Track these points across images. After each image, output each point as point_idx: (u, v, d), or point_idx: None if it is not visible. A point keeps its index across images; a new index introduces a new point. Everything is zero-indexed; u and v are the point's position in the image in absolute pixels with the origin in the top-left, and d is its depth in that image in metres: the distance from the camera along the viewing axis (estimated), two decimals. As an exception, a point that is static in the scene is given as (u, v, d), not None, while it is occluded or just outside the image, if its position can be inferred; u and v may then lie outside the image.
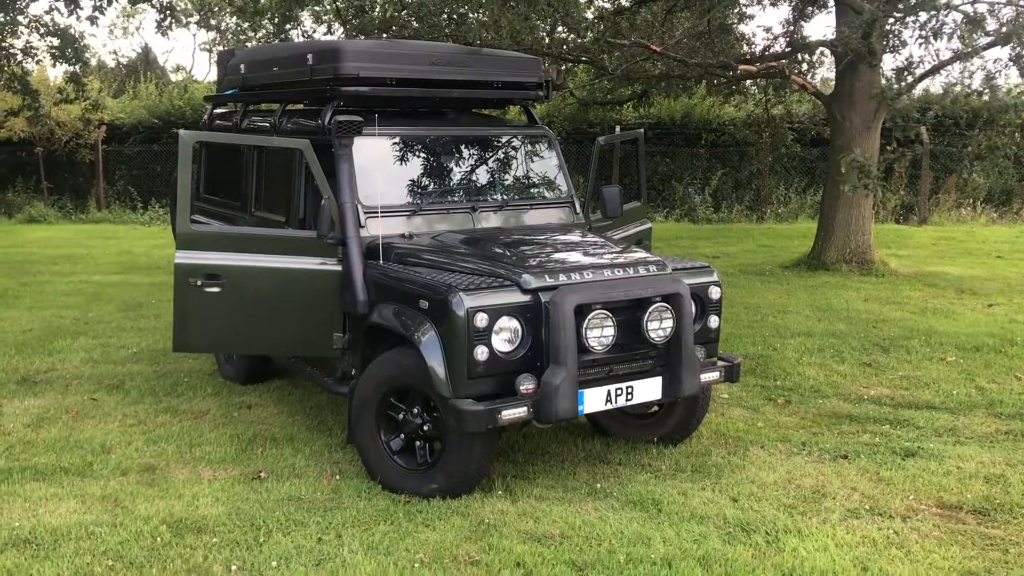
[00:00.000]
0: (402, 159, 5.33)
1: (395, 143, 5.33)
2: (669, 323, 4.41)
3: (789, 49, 11.68)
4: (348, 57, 5.12)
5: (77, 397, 6.04)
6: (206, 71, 41.73)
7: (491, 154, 5.68)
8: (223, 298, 4.77)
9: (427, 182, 5.37)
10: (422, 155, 5.44)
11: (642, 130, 6.49)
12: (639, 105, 13.84)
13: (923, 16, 7.86)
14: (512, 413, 4.11)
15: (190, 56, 58.05)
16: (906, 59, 9.30)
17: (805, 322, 8.13)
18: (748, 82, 12.84)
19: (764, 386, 6.25)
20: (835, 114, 10.71)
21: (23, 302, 9.14)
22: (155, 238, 14.24)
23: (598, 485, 4.53)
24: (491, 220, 5.35)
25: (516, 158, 5.74)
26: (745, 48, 12.40)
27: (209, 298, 4.76)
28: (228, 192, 6.25)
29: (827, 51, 11.41)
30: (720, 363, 4.83)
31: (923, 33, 7.84)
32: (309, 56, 5.32)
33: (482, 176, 5.58)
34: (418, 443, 4.51)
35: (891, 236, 13.80)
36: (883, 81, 10.25)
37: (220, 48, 27.94)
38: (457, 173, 5.53)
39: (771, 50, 12.06)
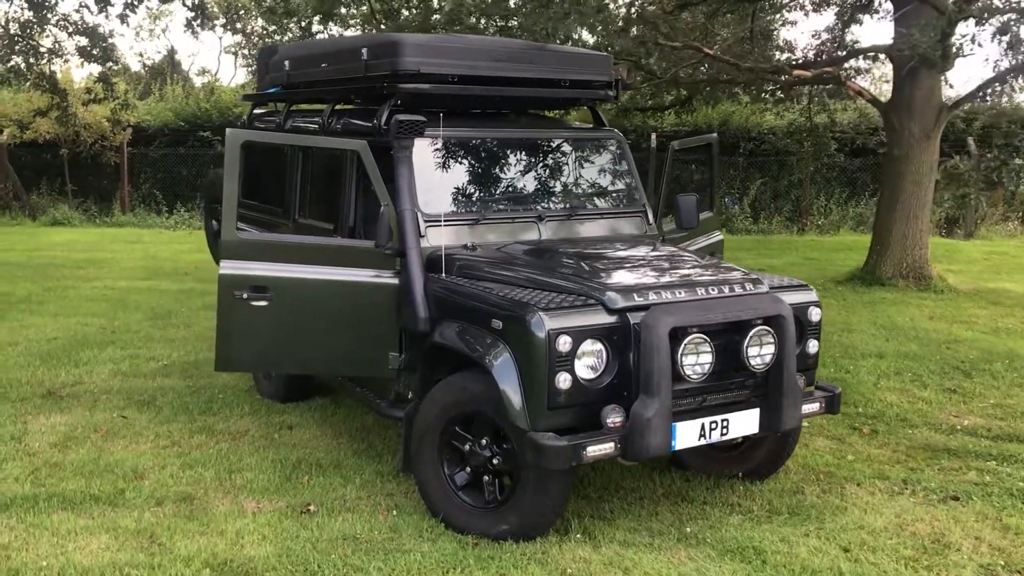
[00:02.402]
0: (464, 163, 4.89)
1: (456, 146, 4.89)
2: (770, 348, 3.94)
3: (845, 54, 11.19)
4: (408, 51, 4.67)
5: (105, 414, 5.63)
6: (231, 75, 41.66)
7: (558, 159, 5.23)
8: (271, 313, 4.34)
9: (491, 189, 4.93)
10: (485, 159, 4.99)
11: (716, 135, 6.03)
12: (681, 112, 13.35)
13: (1005, 18, 7.37)
14: (598, 449, 3.65)
15: (215, 59, 58.08)
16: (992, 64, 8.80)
17: (873, 342, 7.63)
18: (796, 88, 12.36)
19: (846, 413, 5.75)
20: (893, 122, 10.22)
21: (47, 308, 8.76)
22: (180, 243, 13.89)
23: (687, 528, 4.06)
24: (558, 230, 4.90)
25: (585, 164, 5.29)
26: (788, 54, 11.94)
27: (255, 312, 4.33)
28: (268, 197, 5.82)
29: (882, 57, 10.94)
30: (818, 393, 4.36)
31: (1008, 39, 7.33)
32: (364, 50, 4.88)
33: (549, 182, 5.14)
34: (486, 478, 4.05)
35: (940, 250, 13.22)
36: (946, 87, 9.75)
37: (246, 51, 27.76)
38: (522, 179, 5.08)
39: (823, 56, 11.59)
